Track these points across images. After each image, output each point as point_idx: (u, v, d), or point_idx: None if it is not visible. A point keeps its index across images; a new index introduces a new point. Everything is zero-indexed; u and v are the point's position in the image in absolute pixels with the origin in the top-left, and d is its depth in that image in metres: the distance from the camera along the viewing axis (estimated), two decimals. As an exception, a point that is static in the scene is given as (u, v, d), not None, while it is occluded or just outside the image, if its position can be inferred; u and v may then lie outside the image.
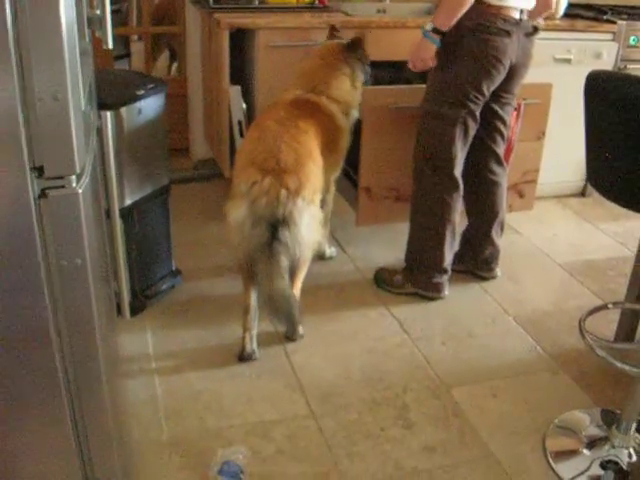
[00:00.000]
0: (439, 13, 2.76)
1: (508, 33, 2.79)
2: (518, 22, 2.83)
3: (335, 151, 3.02)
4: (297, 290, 2.75)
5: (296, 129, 2.73)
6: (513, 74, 2.96)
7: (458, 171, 3.02)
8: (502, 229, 3.36)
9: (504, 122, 3.14)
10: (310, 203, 2.58)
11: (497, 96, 3.02)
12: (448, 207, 3.03)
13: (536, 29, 2.95)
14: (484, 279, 3.40)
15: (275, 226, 2.49)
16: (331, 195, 3.27)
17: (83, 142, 1.26)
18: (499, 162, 3.22)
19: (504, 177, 3.27)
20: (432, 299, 3.19)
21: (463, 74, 2.85)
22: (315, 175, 2.66)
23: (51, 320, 1.27)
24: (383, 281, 3.28)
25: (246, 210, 2.51)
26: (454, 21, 2.72)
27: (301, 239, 2.55)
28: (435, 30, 2.75)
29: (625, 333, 2.87)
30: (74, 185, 1.22)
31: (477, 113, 2.94)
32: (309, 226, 2.58)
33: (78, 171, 1.21)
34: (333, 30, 3.30)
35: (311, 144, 2.74)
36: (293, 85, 3.07)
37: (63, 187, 1.21)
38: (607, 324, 2.95)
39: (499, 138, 3.17)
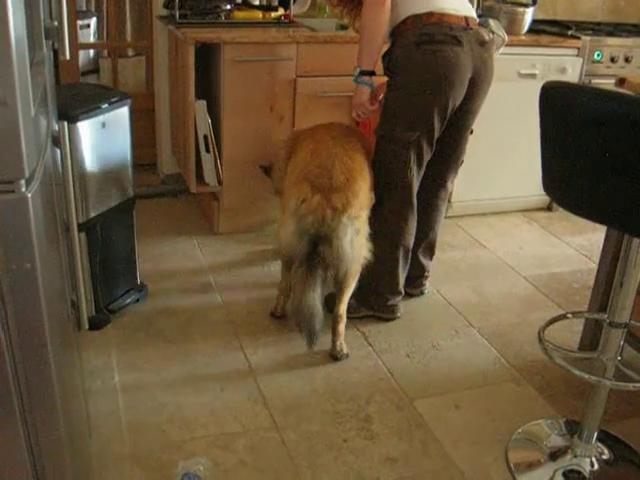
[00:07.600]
0: (359, 54, 2.73)
1: (457, 40, 2.61)
2: (466, 28, 2.65)
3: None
4: (342, 305, 2.85)
5: (349, 145, 2.78)
6: (473, 91, 2.77)
7: (415, 195, 2.93)
8: (432, 251, 3.30)
9: (459, 149, 3.04)
10: (355, 219, 2.64)
11: (455, 118, 2.83)
12: (403, 232, 2.96)
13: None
14: (411, 295, 3.33)
15: (316, 242, 2.61)
16: None
17: (33, 147, 1.25)
18: (446, 189, 3.14)
19: (445, 202, 3.21)
20: (388, 320, 3.14)
21: (415, 93, 2.70)
22: (364, 192, 2.71)
23: (0, 325, 1.26)
24: None
25: (294, 225, 2.63)
26: (376, 56, 2.68)
27: (343, 254, 2.63)
28: (363, 72, 2.72)
29: (588, 343, 2.90)
30: (23, 190, 1.21)
31: (434, 135, 2.79)
32: (352, 242, 2.64)
33: (27, 175, 1.21)
34: None
35: (363, 161, 2.79)
36: None
37: (13, 192, 1.21)
38: (572, 335, 2.99)
39: (452, 166, 3.07)
